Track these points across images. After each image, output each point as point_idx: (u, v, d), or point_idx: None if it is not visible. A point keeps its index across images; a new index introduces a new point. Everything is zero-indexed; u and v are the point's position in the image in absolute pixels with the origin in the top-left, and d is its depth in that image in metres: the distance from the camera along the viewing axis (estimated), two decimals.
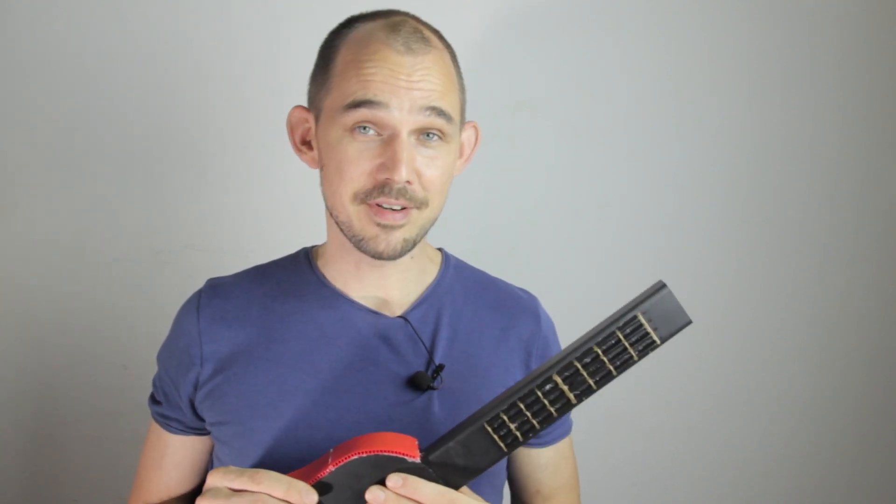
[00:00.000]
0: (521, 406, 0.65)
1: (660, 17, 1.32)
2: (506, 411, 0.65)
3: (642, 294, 0.67)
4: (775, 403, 1.40)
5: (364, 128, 0.74)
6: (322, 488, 0.65)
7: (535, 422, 0.66)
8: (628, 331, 0.65)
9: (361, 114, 0.73)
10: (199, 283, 0.86)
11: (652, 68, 1.33)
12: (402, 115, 0.73)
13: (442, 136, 0.76)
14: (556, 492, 0.91)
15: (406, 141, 0.73)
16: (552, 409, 0.65)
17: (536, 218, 1.35)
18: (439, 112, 0.74)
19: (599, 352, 0.65)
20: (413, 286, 0.85)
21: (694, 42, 1.33)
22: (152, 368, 0.88)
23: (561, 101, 1.33)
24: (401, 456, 0.65)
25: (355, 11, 0.82)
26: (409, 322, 0.82)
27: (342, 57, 0.77)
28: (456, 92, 0.78)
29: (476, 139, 0.86)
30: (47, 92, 1.25)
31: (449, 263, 0.90)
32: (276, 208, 1.29)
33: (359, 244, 0.77)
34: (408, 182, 0.74)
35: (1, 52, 1.23)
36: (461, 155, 0.84)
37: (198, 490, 0.89)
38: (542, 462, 0.90)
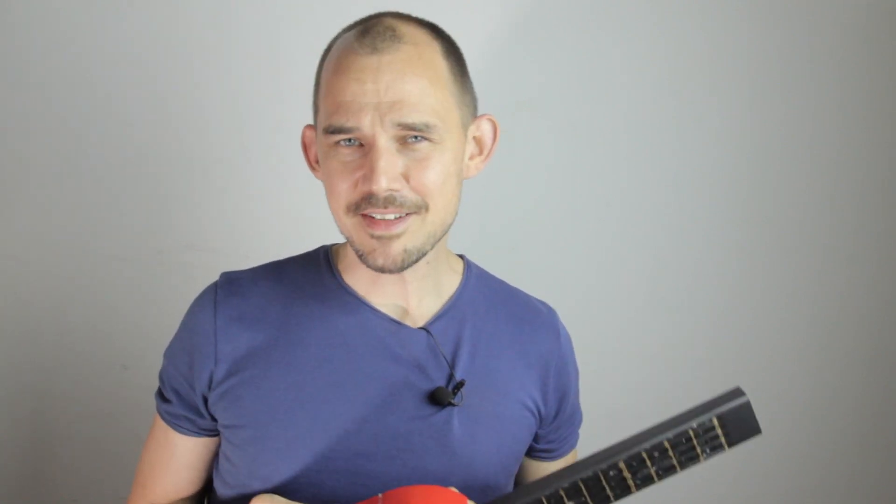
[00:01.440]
0: (582, 486, 0.66)
1: (660, 17, 1.32)
2: (566, 489, 0.66)
3: (721, 397, 0.67)
4: (775, 403, 1.40)
5: (349, 140, 0.73)
6: None
7: (590, 502, 0.66)
8: (701, 432, 0.65)
9: (337, 138, 0.73)
10: (200, 283, 0.85)
11: (652, 68, 1.33)
12: (374, 128, 0.71)
13: (429, 138, 0.73)
14: None
15: (384, 149, 0.71)
16: (610, 493, 0.66)
17: (537, 218, 1.35)
18: (411, 127, 0.71)
19: (669, 447, 0.65)
20: (433, 295, 0.83)
21: (694, 42, 1.33)
22: (152, 368, 0.87)
23: (561, 101, 1.33)
24: None
25: (355, 12, 0.82)
26: (431, 335, 0.80)
27: (324, 75, 0.76)
28: (440, 89, 0.73)
29: (495, 133, 0.82)
30: (49, 92, 1.25)
31: (471, 273, 0.87)
32: (276, 209, 1.29)
33: (361, 258, 0.75)
34: (393, 190, 0.71)
35: (2, 53, 1.23)
36: (480, 152, 0.82)
37: (203, 490, 0.88)
38: None
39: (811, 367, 1.40)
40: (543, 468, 0.90)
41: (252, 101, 1.27)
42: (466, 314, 0.84)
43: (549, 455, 0.90)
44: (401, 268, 0.74)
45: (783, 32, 1.33)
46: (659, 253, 1.36)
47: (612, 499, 0.66)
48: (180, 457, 0.83)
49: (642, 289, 1.37)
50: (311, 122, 0.81)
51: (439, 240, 0.77)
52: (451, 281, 0.85)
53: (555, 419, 0.89)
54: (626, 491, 0.66)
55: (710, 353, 1.39)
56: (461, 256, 0.90)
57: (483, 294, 0.87)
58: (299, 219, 1.26)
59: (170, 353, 0.83)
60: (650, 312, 1.37)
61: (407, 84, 0.71)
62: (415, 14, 0.80)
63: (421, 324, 0.81)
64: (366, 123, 0.71)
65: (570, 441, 0.92)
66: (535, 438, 0.88)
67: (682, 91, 1.34)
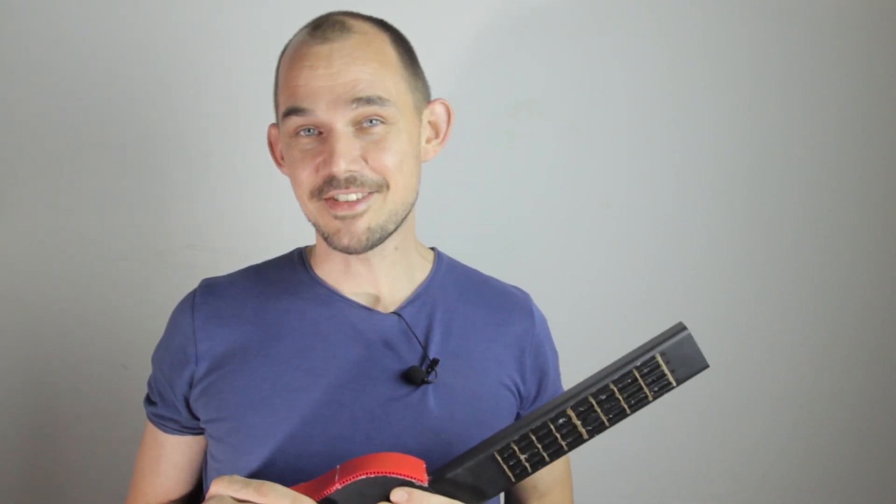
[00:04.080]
0: (533, 438, 0.65)
1: (660, 18, 1.32)
2: (517, 442, 0.66)
3: (662, 335, 0.67)
4: (775, 403, 1.40)
5: (308, 129, 0.76)
6: None
7: (545, 454, 0.66)
8: (645, 371, 0.65)
9: (294, 121, 0.75)
10: None
11: (652, 68, 1.33)
12: (329, 112, 0.74)
13: (384, 119, 0.76)
14: (552, 488, 0.92)
15: (342, 132, 0.74)
16: (563, 443, 0.66)
17: (536, 219, 1.35)
18: (368, 100, 0.74)
19: (615, 389, 0.65)
20: (404, 282, 0.85)
21: (694, 42, 1.33)
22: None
23: (561, 101, 1.33)
24: (408, 479, 0.66)
25: (353, 10, 0.82)
26: (402, 318, 0.82)
27: (280, 70, 0.80)
28: (391, 72, 0.77)
29: (449, 116, 0.85)
30: (48, 92, 1.25)
31: (442, 262, 0.90)
32: (275, 209, 1.29)
33: (328, 241, 0.79)
34: (352, 170, 0.74)
35: (1, 53, 1.24)
36: (437, 135, 0.84)
37: (196, 492, 0.89)
38: None
39: (811, 367, 1.40)
40: None
41: (252, 102, 1.27)
42: (438, 299, 0.86)
43: None
44: (365, 246, 0.77)
45: (783, 32, 1.33)
46: (660, 254, 1.36)
47: (564, 448, 0.66)
48: (169, 457, 0.86)
49: (642, 289, 1.37)
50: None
51: (402, 220, 0.80)
52: (422, 269, 0.87)
53: (535, 399, 0.90)
54: (578, 439, 0.66)
55: (709, 354, 1.38)
56: (432, 249, 0.92)
57: (455, 281, 0.89)
58: (299, 219, 1.25)
59: (155, 359, 0.87)
60: (650, 313, 1.37)
61: (358, 66, 0.75)
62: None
63: (392, 310, 0.83)
64: (321, 106, 0.74)
65: None
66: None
67: (682, 91, 1.34)
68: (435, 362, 0.80)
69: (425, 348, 0.82)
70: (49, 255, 1.27)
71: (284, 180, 1.27)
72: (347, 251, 0.77)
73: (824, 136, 1.36)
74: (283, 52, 0.81)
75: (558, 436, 0.65)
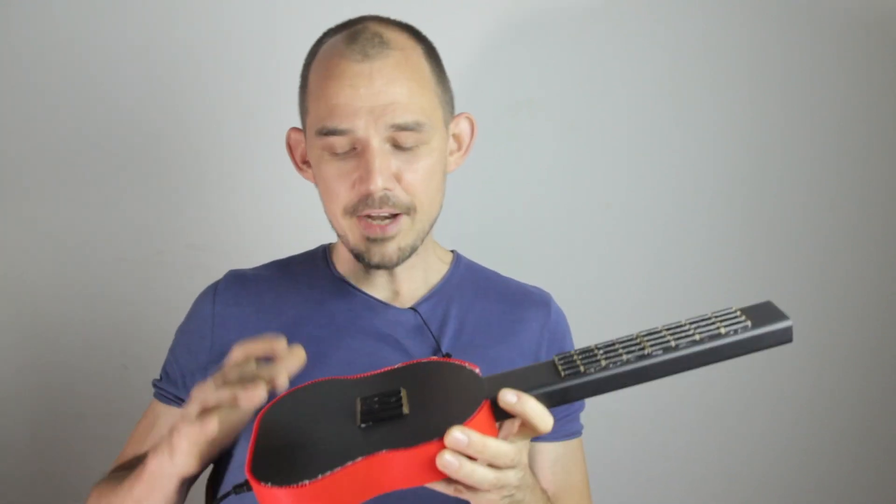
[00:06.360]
0: (597, 352, 0.64)
1: (660, 18, 1.32)
2: (579, 353, 0.64)
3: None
4: (775, 403, 1.40)
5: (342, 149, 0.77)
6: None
7: (603, 361, 0.63)
8: (721, 314, 0.65)
9: (331, 140, 0.76)
10: (200, 283, 0.88)
11: (652, 68, 1.33)
12: (368, 130, 0.75)
13: (418, 139, 0.77)
14: (564, 493, 0.91)
15: (378, 149, 0.75)
16: (624, 355, 0.63)
17: (536, 218, 1.35)
18: (405, 127, 0.76)
19: (687, 323, 0.65)
20: (422, 281, 0.87)
21: (694, 42, 1.33)
22: (153, 368, 0.88)
23: (561, 101, 1.33)
24: (464, 365, 0.66)
25: (354, 13, 0.82)
26: (418, 313, 0.85)
27: (312, 77, 0.80)
28: (427, 91, 0.79)
29: (472, 130, 0.87)
30: (50, 93, 1.25)
31: (460, 263, 0.92)
32: (276, 208, 1.30)
33: (357, 257, 0.81)
34: (387, 189, 0.76)
35: (3, 53, 1.24)
36: (459, 148, 0.86)
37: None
38: (551, 458, 0.90)
39: (812, 367, 1.40)
40: (544, 451, 0.90)
41: (253, 102, 1.27)
42: (454, 297, 0.88)
43: (547, 436, 0.90)
44: (396, 264, 0.80)
45: (783, 32, 1.33)
46: (660, 254, 1.36)
47: (624, 358, 0.63)
48: (161, 427, 0.86)
49: (642, 289, 1.37)
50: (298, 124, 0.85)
51: (428, 233, 0.83)
52: (439, 269, 0.90)
53: None
54: (641, 357, 0.63)
55: None
56: (452, 251, 0.94)
57: (472, 280, 0.91)
58: (300, 219, 1.26)
59: (173, 344, 0.88)
60: (650, 313, 1.37)
61: (398, 87, 0.76)
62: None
63: (409, 305, 0.86)
64: (360, 126, 0.75)
65: (569, 423, 0.91)
66: None
67: (682, 91, 1.33)
68: (447, 356, 0.82)
69: (438, 342, 0.83)
70: (49, 255, 1.27)
71: (286, 180, 1.27)
72: (379, 268, 0.80)
73: (824, 136, 1.35)
74: (314, 58, 0.81)
75: (621, 349, 0.64)
